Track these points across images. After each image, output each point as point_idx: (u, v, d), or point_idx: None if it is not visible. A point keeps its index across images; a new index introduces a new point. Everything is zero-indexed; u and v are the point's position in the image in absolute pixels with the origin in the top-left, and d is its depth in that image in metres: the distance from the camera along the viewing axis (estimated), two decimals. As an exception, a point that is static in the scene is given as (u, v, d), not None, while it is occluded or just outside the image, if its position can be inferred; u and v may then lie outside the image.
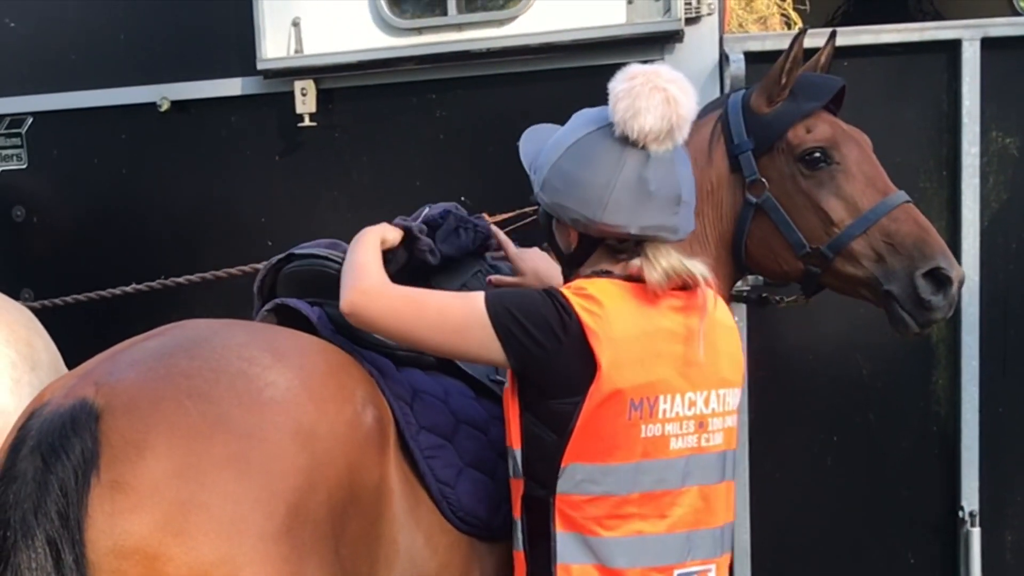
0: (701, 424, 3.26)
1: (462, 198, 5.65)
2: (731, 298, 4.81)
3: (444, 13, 5.65)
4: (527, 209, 5.18)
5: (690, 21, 5.36)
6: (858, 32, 5.33)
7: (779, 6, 6.63)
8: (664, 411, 3.19)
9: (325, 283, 3.71)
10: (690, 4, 5.32)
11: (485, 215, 4.46)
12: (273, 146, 5.94)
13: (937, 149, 5.42)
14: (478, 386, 3.84)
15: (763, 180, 4.28)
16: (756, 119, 4.33)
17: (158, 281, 5.75)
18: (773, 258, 4.33)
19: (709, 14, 5.37)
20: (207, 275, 5.66)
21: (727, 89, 5.31)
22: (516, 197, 5.38)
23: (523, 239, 4.52)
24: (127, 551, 2.72)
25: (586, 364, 3.13)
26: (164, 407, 2.86)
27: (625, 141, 3.29)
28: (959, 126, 5.37)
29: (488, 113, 5.73)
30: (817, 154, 4.22)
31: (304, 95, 5.75)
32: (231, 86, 5.95)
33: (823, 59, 4.54)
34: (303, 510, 2.90)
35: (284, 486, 2.87)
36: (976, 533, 5.47)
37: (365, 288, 3.35)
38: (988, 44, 5.36)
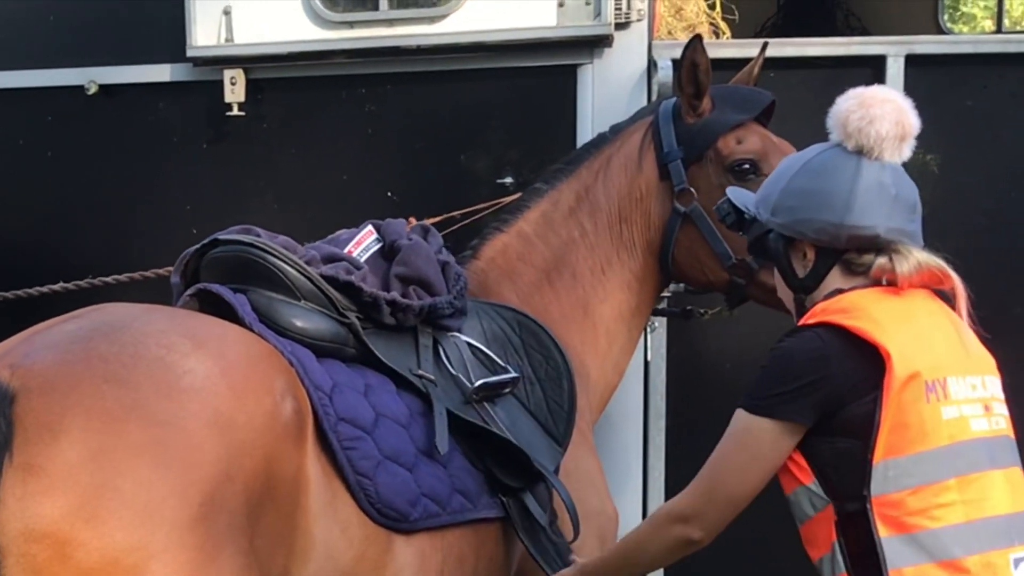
0: (987, 408, 3.22)
1: (389, 194, 5.67)
2: (657, 307, 4.84)
3: (375, 8, 5.66)
4: (455, 213, 5.19)
5: (620, 26, 5.40)
6: (784, 44, 5.39)
7: (708, 15, 6.68)
8: (955, 392, 3.14)
9: (249, 269, 3.70)
10: (620, 9, 5.36)
11: (412, 219, 4.46)
12: (201, 134, 5.93)
13: (859, 163, 5.49)
14: (400, 379, 3.84)
15: (691, 189, 4.33)
16: (686, 128, 4.36)
17: (87, 280, 5.71)
18: (699, 268, 4.37)
19: (639, 20, 5.41)
20: (136, 275, 5.63)
21: (655, 95, 5.34)
22: (443, 195, 5.41)
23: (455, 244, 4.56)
24: (37, 535, 2.69)
25: (869, 361, 3.09)
26: (81, 391, 2.83)
27: (858, 153, 3.27)
28: (882, 141, 5.43)
29: (418, 110, 5.75)
30: (746, 165, 4.26)
31: (233, 84, 5.74)
32: (160, 72, 5.93)
33: (755, 70, 4.58)
34: (218, 499, 2.88)
35: (200, 475, 2.85)
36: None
37: (687, 517, 3.36)
38: (912, 61, 5.43)
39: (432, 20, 5.60)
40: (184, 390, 2.97)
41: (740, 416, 3.26)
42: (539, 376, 4.13)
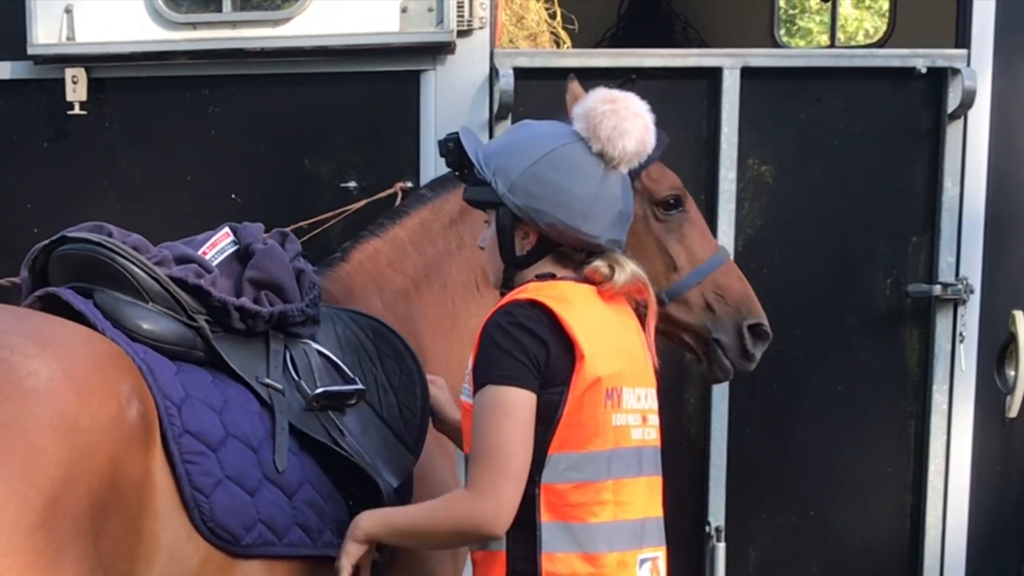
0: (644, 419, 3.45)
1: (232, 195, 5.67)
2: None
3: (219, 10, 5.66)
4: (303, 223, 5.21)
5: (462, 33, 5.48)
6: (622, 55, 5.48)
7: (549, 24, 6.74)
8: (626, 402, 3.37)
9: (97, 269, 3.66)
10: (462, 17, 5.43)
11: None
12: (42, 133, 5.85)
13: (696, 173, 5.59)
14: (258, 394, 3.78)
15: None
16: None
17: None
18: None
19: (481, 28, 5.48)
20: None
21: (496, 102, 5.41)
22: (287, 197, 5.43)
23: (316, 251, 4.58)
24: None
25: (568, 354, 3.26)
26: (-78, 393, 2.81)
27: (601, 158, 3.42)
28: (717, 152, 5.56)
29: (261, 112, 5.75)
30: (673, 200, 4.31)
31: (75, 83, 5.68)
32: (0, 69, 5.86)
33: None
34: (62, 503, 2.85)
35: (43, 478, 2.82)
36: (721, 548, 5.68)
37: (480, 511, 3.30)
38: (748, 73, 5.57)
39: (276, 23, 5.61)
40: (27, 392, 2.93)
41: (490, 390, 3.31)
42: (393, 383, 4.09)
